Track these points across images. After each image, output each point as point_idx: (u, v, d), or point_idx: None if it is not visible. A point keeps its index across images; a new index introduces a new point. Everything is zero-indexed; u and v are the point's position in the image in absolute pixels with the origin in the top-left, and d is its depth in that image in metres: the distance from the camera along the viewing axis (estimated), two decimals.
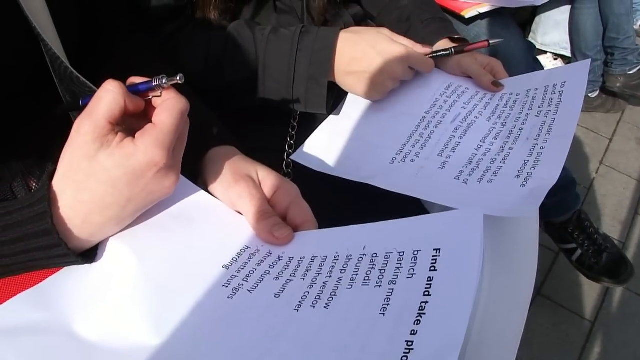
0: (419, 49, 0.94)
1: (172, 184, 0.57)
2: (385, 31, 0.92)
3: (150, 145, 0.53)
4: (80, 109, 0.57)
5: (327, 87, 0.89)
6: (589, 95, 2.55)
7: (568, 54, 2.57)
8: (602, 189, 2.25)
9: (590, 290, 1.87)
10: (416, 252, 0.54)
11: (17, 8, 0.63)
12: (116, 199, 0.55)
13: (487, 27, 1.38)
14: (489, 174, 0.78)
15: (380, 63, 0.88)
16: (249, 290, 0.55)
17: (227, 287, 0.56)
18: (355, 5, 1.13)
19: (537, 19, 2.61)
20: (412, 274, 0.52)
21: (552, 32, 2.58)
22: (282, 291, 0.55)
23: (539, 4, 1.45)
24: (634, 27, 2.39)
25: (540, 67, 1.78)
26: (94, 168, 0.53)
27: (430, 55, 0.95)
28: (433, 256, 0.53)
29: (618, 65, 2.43)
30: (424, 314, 0.47)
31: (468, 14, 1.43)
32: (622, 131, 2.54)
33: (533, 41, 2.64)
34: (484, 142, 0.85)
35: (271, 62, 0.89)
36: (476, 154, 0.83)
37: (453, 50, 0.96)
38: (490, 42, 0.94)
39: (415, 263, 0.53)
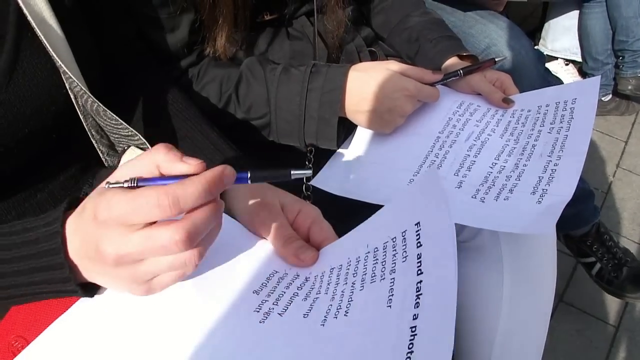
0: (429, 76, 0.95)
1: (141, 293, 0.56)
2: (393, 65, 0.92)
3: (174, 226, 0.50)
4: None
5: (337, 125, 0.91)
6: (602, 99, 2.54)
7: (579, 58, 2.57)
8: (620, 193, 2.24)
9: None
10: (404, 233, 0.56)
11: (41, 46, 0.66)
12: (108, 279, 0.55)
13: (497, 39, 1.40)
14: (505, 192, 0.80)
15: (389, 103, 0.90)
16: (279, 314, 0.57)
17: (258, 312, 0.58)
18: (366, 28, 1.15)
19: (546, 25, 2.63)
20: (406, 257, 0.54)
21: (561, 38, 2.59)
22: (310, 310, 0.57)
23: None
24: None
25: (552, 76, 1.78)
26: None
27: (441, 83, 0.96)
28: (417, 232, 0.54)
29: (629, 67, 2.43)
30: (421, 294, 0.49)
31: None
32: (637, 133, 2.53)
33: (543, 47, 2.66)
34: (498, 159, 0.87)
35: (282, 103, 0.92)
36: (491, 172, 0.84)
37: (461, 72, 0.97)
38: (496, 59, 0.95)
39: (405, 244, 0.55)
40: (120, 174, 0.53)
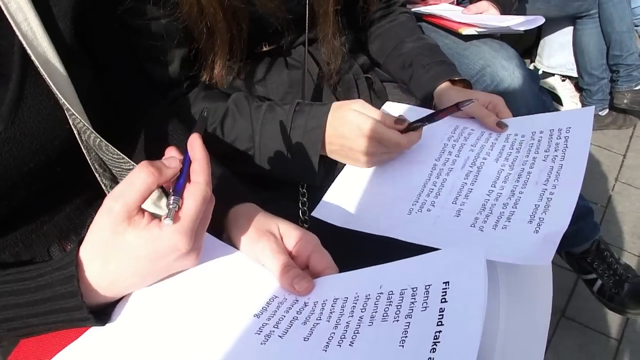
0: (389, 122, 0.92)
1: (191, 263, 0.63)
2: (356, 105, 0.92)
3: (175, 231, 0.58)
4: None
5: (317, 164, 0.93)
6: (599, 113, 2.56)
7: (575, 74, 2.60)
8: (620, 206, 2.25)
9: None
10: (427, 287, 0.58)
11: (44, 84, 0.68)
12: (139, 271, 0.61)
13: (491, 60, 1.41)
14: (502, 220, 0.81)
15: (350, 142, 0.92)
16: (280, 336, 0.59)
17: (259, 334, 0.60)
18: (362, 55, 1.17)
19: (541, 42, 2.66)
20: (426, 307, 0.56)
21: (557, 54, 2.62)
22: (311, 334, 0.59)
23: (522, 30, 1.50)
24: (637, 43, 2.41)
25: (546, 96, 1.80)
26: (121, 244, 0.58)
27: (406, 129, 0.92)
28: (443, 289, 0.57)
29: (624, 81, 2.45)
30: (439, 342, 0.51)
31: (465, 31, 1.47)
32: (635, 146, 2.55)
33: (539, 64, 2.69)
34: (494, 186, 0.88)
35: (266, 140, 0.95)
36: (488, 199, 0.86)
37: (427, 123, 0.92)
38: (460, 106, 0.90)
39: (427, 296, 0.57)
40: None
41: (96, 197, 0.81)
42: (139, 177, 0.58)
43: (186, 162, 0.63)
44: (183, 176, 0.62)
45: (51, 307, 0.59)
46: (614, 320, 1.83)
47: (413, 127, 0.92)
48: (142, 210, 0.59)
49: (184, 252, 0.60)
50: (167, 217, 0.58)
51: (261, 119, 0.95)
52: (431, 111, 0.95)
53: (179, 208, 0.59)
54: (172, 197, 0.59)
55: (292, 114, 0.94)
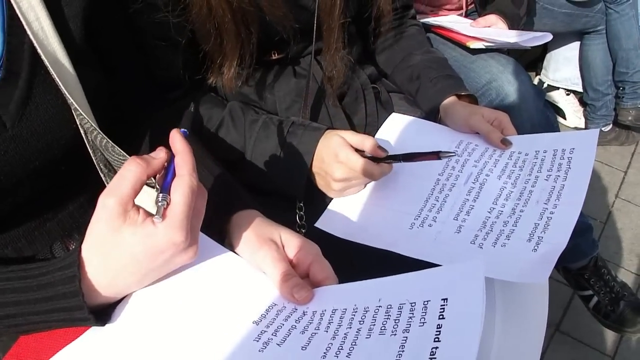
0: (368, 146, 0.92)
1: (190, 257, 0.63)
2: (343, 132, 0.94)
3: (169, 226, 0.59)
4: None
5: (304, 185, 0.95)
6: (602, 129, 2.57)
7: (580, 89, 2.60)
8: (619, 223, 2.25)
9: None
10: (426, 302, 0.59)
11: (53, 83, 0.69)
12: (138, 269, 0.61)
13: (498, 75, 1.42)
14: (502, 238, 0.82)
15: (325, 167, 0.93)
16: (278, 344, 0.60)
17: (257, 341, 0.60)
18: (369, 66, 1.18)
19: (547, 56, 2.66)
20: (424, 323, 0.56)
21: (562, 68, 2.62)
22: (309, 344, 0.59)
23: (529, 47, 1.50)
24: None
25: (551, 111, 1.80)
26: (118, 241, 0.59)
27: (382, 159, 0.92)
28: (441, 305, 0.57)
29: (629, 98, 2.45)
30: (435, 358, 0.51)
31: (473, 45, 1.48)
32: (637, 163, 2.54)
33: (545, 77, 2.69)
34: (495, 204, 0.89)
35: (257, 156, 0.96)
36: (489, 217, 0.86)
37: (402, 159, 0.92)
38: (441, 155, 0.91)
39: (425, 312, 0.58)
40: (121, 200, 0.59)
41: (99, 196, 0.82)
42: (128, 170, 0.59)
43: (172, 161, 0.63)
44: (170, 174, 0.62)
45: (52, 306, 0.59)
46: (608, 337, 1.84)
47: (387, 160, 0.92)
48: (138, 207, 0.60)
49: (181, 246, 0.60)
50: (156, 215, 0.58)
51: (254, 136, 0.96)
52: (409, 152, 0.94)
53: (168, 204, 0.60)
54: (160, 195, 0.60)
55: (285, 135, 0.95)
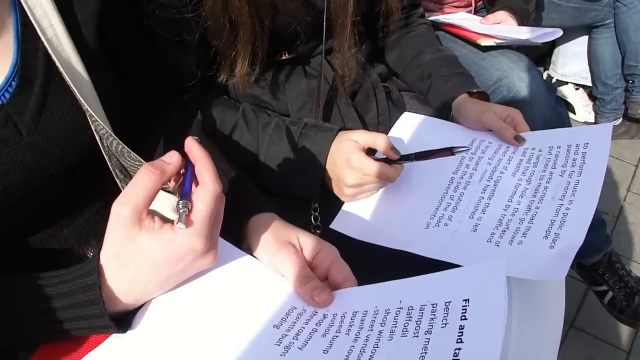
0: (382, 147, 0.92)
1: (209, 263, 0.63)
2: (354, 135, 0.93)
3: (189, 233, 0.59)
4: None
5: (319, 185, 0.94)
6: (612, 123, 2.56)
7: (589, 83, 2.59)
8: (631, 217, 2.24)
9: None
10: (447, 303, 0.59)
11: (68, 89, 0.69)
12: (157, 275, 0.61)
13: (509, 71, 1.41)
14: (518, 235, 0.81)
15: (338, 172, 0.92)
16: (299, 348, 0.60)
17: (279, 345, 0.60)
18: (380, 65, 1.18)
19: (556, 50, 2.65)
20: (446, 324, 0.56)
21: (571, 62, 2.61)
22: (330, 347, 0.59)
23: (540, 43, 1.50)
24: None
25: (562, 107, 1.79)
26: (136, 249, 0.59)
27: (396, 161, 0.92)
28: (463, 306, 0.57)
29: (639, 92, 2.44)
30: (458, 359, 0.51)
31: (483, 42, 1.47)
32: None
33: (553, 72, 2.68)
34: (511, 201, 0.88)
35: (271, 159, 0.96)
36: (505, 214, 0.86)
37: (415, 158, 0.91)
38: (454, 151, 0.89)
39: (447, 313, 0.57)
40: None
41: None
42: (142, 178, 0.59)
43: (188, 167, 0.63)
44: (187, 180, 0.62)
45: (73, 315, 0.59)
46: (623, 332, 1.83)
47: (400, 161, 0.91)
48: (152, 214, 0.60)
49: (200, 252, 0.60)
50: (179, 222, 0.58)
51: (267, 139, 0.96)
52: (426, 149, 0.92)
53: (190, 211, 0.59)
54: (181, 202, 0.59)
55: (298, 137, 0.95)
